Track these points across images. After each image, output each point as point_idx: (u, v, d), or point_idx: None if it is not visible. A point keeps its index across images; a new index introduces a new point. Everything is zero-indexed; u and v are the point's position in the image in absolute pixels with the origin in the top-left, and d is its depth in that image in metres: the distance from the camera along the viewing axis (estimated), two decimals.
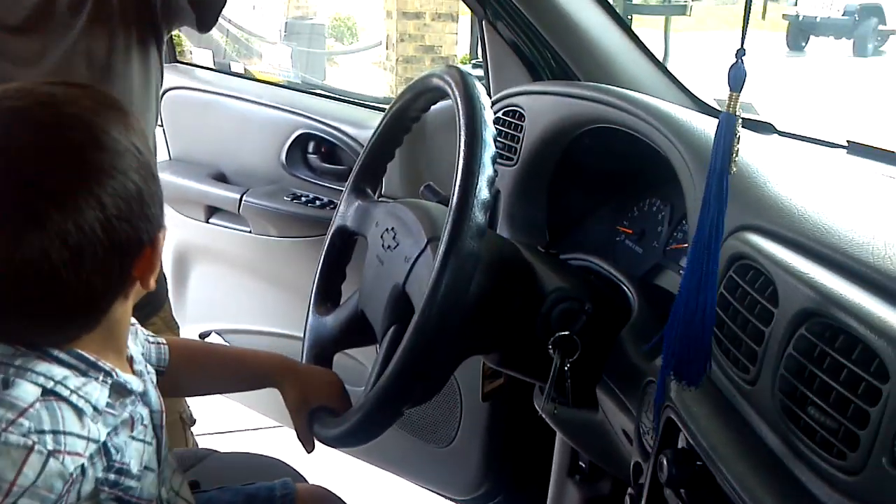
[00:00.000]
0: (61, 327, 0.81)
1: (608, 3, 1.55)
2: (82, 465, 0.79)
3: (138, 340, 0.99)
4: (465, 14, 6.62)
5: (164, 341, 1.09)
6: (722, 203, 0.74)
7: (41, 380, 0.78)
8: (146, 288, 0.84)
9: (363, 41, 10.36)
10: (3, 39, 1.31)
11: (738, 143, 0.73)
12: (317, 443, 1.87)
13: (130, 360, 0.92)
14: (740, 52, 0.71)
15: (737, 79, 0.72)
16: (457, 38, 6.83)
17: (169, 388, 1.08)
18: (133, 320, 0.99)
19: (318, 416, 1.13)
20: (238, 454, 1.40)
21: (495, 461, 1.81)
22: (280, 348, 2.03)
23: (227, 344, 2.15)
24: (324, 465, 1.79)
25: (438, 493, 1.93)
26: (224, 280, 2.10)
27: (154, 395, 0.93)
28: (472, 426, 1.79)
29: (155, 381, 0.97)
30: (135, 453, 0.86)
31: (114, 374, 0.84)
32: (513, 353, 1.14)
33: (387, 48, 7.03)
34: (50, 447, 0.76)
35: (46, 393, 0.78)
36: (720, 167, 0.73)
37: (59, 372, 0.80)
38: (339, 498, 1.23)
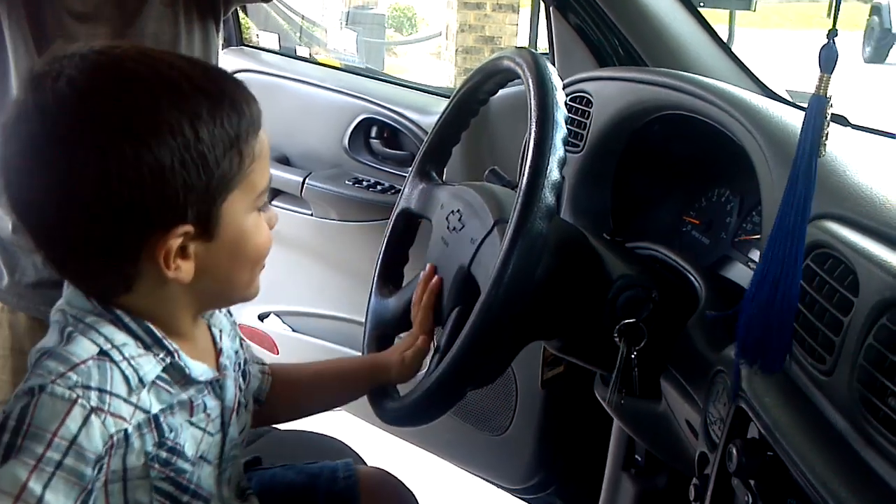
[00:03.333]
0: (81, 273, 0.82)
1: None
2: (125, 432, 0.80)
3: (237, 339, 1.00)
4: (526, 6, 6.60)
5: (269, 371, 1.10)
6: (810, 185, 0.72)
7: (101, 340, 0.81)
8: (178, 280, 0.81)
9: (422, 31, 10.38)
10: (72, 26, 1.33)
11: (828, 126, 0.71)
12: (371, 426, 1.91)
13: (219, 353, 0.94)
14: (832, 33, 0.69)
15: (828, 60, 0.70)
16: (517, 29, 6.80)
17: (268, 417, 1.11)
18: (233, 318, 1.01)
19: (378, 396, 1.14)
20: (297, 432, 1.42)
21: (549, 451, 1.80)
22: (338, 331, 2.07)
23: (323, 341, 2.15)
24: (379, 448, 1.80)
25: (491, 482, 1.93)
26: (284, 262, 2.12)
27: (231, 390, 0.93)
28: (527, 415, 1.78)
29: (243, 383, 0.98)
30: (191, 438, 0.87)
31: (176, 354, 0.85)
32: (576, 340, 1.13)
33: (446, 38, 7.03)
34: (94, 403, 0.77)
35: (102, 354, 0.80)
36: (809, 149, 0.71)
37: (121, 338, 0.82)
38: (401, 481, 1.23)
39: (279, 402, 1.10)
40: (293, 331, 2.20)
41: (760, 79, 1.49)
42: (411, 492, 1.22)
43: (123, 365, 0.81)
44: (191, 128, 0.77)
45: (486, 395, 1.83)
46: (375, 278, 1.27)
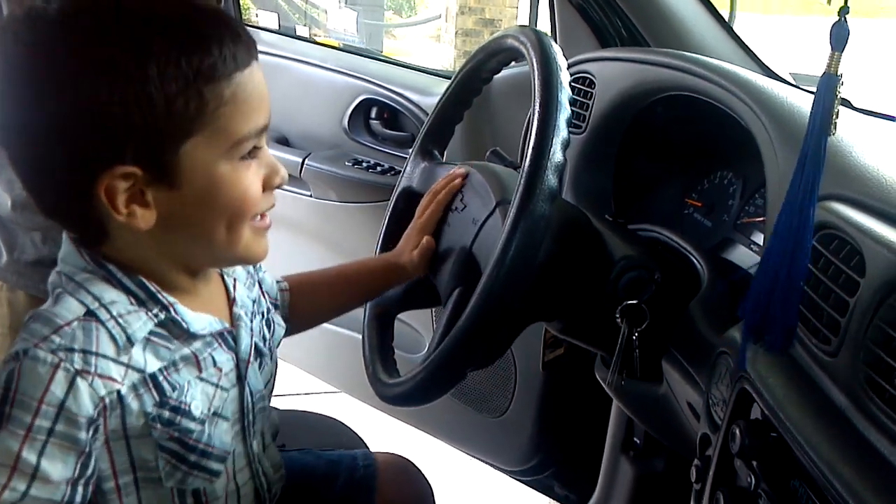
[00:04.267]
0: (55, 209, 0.82)
1: None
2: (118, 393, 0.78)
3: (263, 289, 0.99)
4: None
5: (287, 287, 1.09)
6: (819, 164, 0.71)
7: (88, 299, 0.79)
8: (133, 226, 0.78)
9: (422, 14, 10.33)
10: None
11: (838, 104, 0.71)
12: (371, 408, 1.91)
13: (232, 302, 0.92)
14: (844, 10, 0.68)
15: (839, 37, 0.69)
16: (517, 12, 6.77)
17: (297, 328, 1.12)
18: (260, 266, 1.00)
19: (379, 376, 1.13)
20: (297, 412, 1.42)
21: (548, 433, 1.81)
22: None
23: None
24: (377, 429, 1.81)
25: (490, 464, 1.93)
26: (283, 242, 2.11)
27: (247, 342, 0.91)
28: (526, 397, 1.78)
29: (268, 332, 0.97)
30: (201, 395, 0.85)
31: (172, 308, 0.82)
32: (578, 321, 1.13)
33: (446, 20, 6.99)
34: (77, 366, 0.76)
35: (88, 314, 0.78)
36: (819, 127, 0.70)
37: (111, 295, 0.80)
38: (417, 468, 1.23)
39: (301, 314, 1.11)
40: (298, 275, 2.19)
41: (763, 61, 1.49)
42: (426, 479, 1.23)
43: (110, 324, 0.79)
44: (136, 62, 0.72)
45: (485, 376, 1.83)
46: (376, 255, 1.26)
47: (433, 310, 1.82)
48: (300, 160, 1.99)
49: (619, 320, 1.04)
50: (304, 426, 1.40)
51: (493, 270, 0.92)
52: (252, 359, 0.92)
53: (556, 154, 0.93)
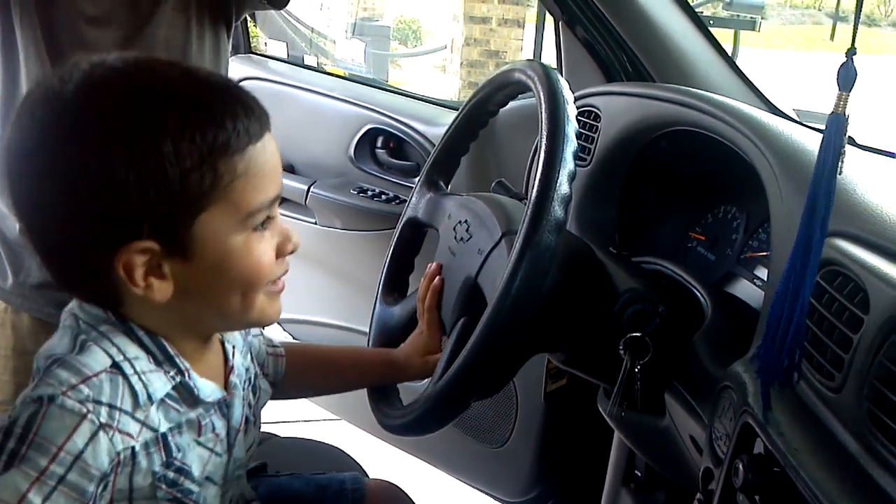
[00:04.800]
0: (71, 282, 0.82)
1: (688, 4, 1.54)
2: (133, 449, 0.78)
3: (252, 354, 0.99)
4: (531, 21, 6.62)
5: (283, 353, 1.09)
6: (829, 204, 0.72)
7: (114, 351, 0.79)
8: (151, 298, 0.79)
9: (427, 44, 10.42)
10: (84, 30, 1.33)
11: (845, 144, 0.72)
12: (371, 436, 1.90)
13: (230, 371, 0.92)
14: (851, 52, 0.69)
15: (847, 78, 0.70)
16: (522, 44, 6.82)
17: (283, 393, 1.11)
18: (258, 333, 1.01)
19: (381, 405, 1.14)
20: (298, 440, 1.42)
21: (549, 465, 1.80)
22: (340, 340, 2.06)
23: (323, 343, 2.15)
24: (377, 457, 1.80)
25: (490, 494, 1.92)
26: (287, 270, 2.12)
27: (239, 411, 0.92)
28: (527, 428, 1.78)
29: (252, 398, 0.97)
30: (197, 459, 0.85)
31: (186, 374, 0.83)
32: (581, 353, 1.13)
33: (451, 52, 7.05)
34: (103, 420, 0.76)
35: (114, 366, 0.79)
36: (829, 167, 0.71)
37: (133, 351, 0.80)
38: (406, 494, 1.23)
39: (293, 381, 1.11)
40: (294, 339, 2.20)
41: (768, 98, 1.50)
42: None
43: (134, 379, 0.79)
44: (150, 139, 0.73)
45: (486, 406, 1.83)
46: (381, 286, 1.27)
47: None
48: (306, 188, 2.01)
49: (622, 353, 1.05)
50: (300, 452, 1.40)
51: (498, 301, 0.93)
52: (242, 427, 0.93)
53: (563, 186, 0.94)
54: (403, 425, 1.05)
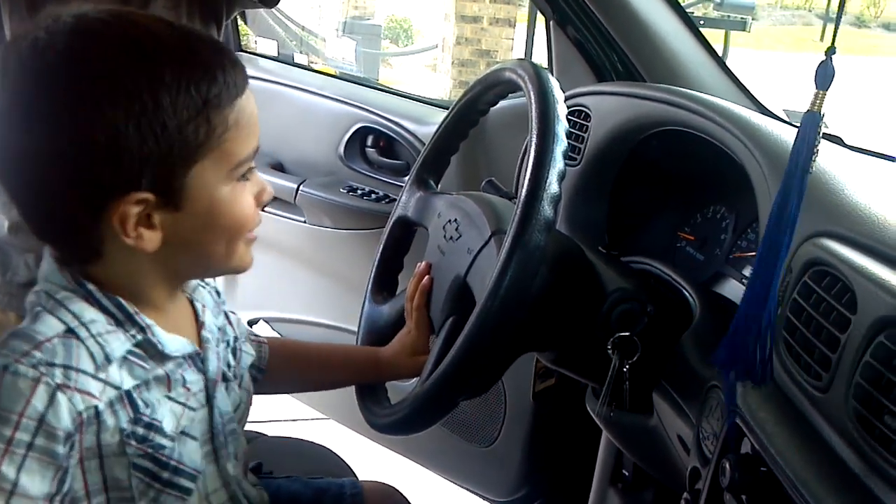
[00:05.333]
0: (52, 232, 0.82)
1: (679, 4, 1.54)
2: (96, 408, 0.79)
3: (221, 315, 1.00)
4: (522, 20, 6.63)
5: (266, 341, 1.11)
6: (800, 202, 0.72)
7: (68, 318, 0.80)
8: (141, 249, 0.80)
9: (418, 43, 10.42)
10: None
11: (818, 142, 0.72)
12: (358, 435, 1.90)
13: (201, 326, 0.93)
14: (830, 51, 0.70)
15: (825, 77, 0.70)
16: (513, 44, 6.82)
17: (270, 387, 1.12)
18: (222, 296, 1.01)
19: (369, 404, 1.13)
20: (287, 439, 1.41)
21: (537, 464, 1.80)
22: (328, 339, 2.06)
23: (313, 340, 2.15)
24: (365, 457, 1.80)
25: (477, 494, 1.92)
26: (276, 269, 2.12)
27: (214, 364, 0.92)
28: (515, 427, 1.78)
29: (232, 360, 0.97)
30: (169, 413, 0.85)
31: (148, 330, 0.84)
32: (569, 352, 1.13)
33: (442, 51, 7.05)
34: (59, 380, 0.77)
35: (68, 331, 0.79)
36: (802, 165, 0.71)
37: (90, 314, 0.81)
38: (403, 495, 1.23)
39: (282, 373, 1.11)
40: (282, 337, 2.19)
41: (757, 98, 1.50)
42: None
43: (90, 342, 0.80)
44: (149, 92, 0.75)
45: (474, 406, 1.83)
46: (370, 285, 1.27)
47: None
48: (295, 186, 2.00)
49: (610, 352, 1.05)
50: (292, 453, 1.40)
51: (487, 300, 0.93)
52: (220, 380, 0.93)
53: (553, 185, 0.94)
54: (391, 424, 1.05)
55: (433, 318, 1.13)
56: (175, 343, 0.87)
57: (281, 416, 2.42)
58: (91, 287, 0.82)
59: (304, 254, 2.09)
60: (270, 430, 1.45)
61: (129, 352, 0.82)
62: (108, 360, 0.80)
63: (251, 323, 2.22)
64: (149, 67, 0.76)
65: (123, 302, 0.83)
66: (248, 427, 1.78)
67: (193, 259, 0.87)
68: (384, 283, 1.27)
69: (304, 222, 2.04)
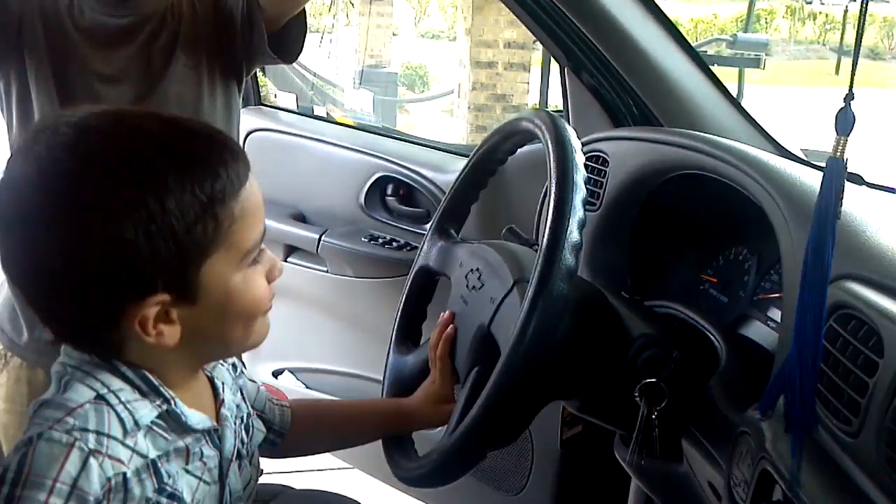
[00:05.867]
0: (71, 336, 0.83)
1: (692, 47, 1.55)
2: (124, 475, 0.79)
3: (244, 394, 1.01)
4: (536, 64, 6.68)
5: (289, 405, 1.11)
6: (831, 247, 0.72)
7: (97, 385, 0.81)
8: (162, 345, 0.81)
9: (434, 89, 10.52)
10: (98, 88, 1.35)
11: (844, 188, 0.72)
12: (383, 485, 1.89)
13: (220, 404, 0.94)
14: (849, 97, 0.70)
15: (845, 123, 0.71)
16: (528, 87, 6.88)
17: (292, 449, 1.12)
18: (239, 366, 1.02)
19: (396, 456, 1.13)
20: (312, 491, 1.40)
21: None
22: (353, 388, 2.06)
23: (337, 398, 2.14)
24: None
25: None
26: (300, 319, 2.12)
27: (231, 441, 0.93)
28: (543, 475, 1.76)
29: (246, 437, 0.98)
30: (186, 486, 0.86)
31: (172, 402, 0.85)
32: (596, 400, 1.12)
33: (458, 96, 7.11)
34: (91, 445, 0.77)
35: (98, 398, 0.80)
36: (829, 212, 0.72)
37: (117, 384, 0.82)
38: None
39: (302, 435, 1.11)
40: (307, 387, 2.19)
41: (775, 138, 1.51)
42: None
43: (119, 408, 0.80)
44: (155, 199, 0.75)
45: (502, 454, 1.81)
46: (394, 335, 1.27)
47: None
48: (317, 236, 2.01)
49: (637, 399, 1.04)
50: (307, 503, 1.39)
51: (512, 350, 0.93)
52: (234, 458, 0.94)
53: (573, 234, 0.95)
54: (419, 477, 1.05)
55: (458, 367, 1.13)
56: (196, 417, 0.88)
57: (306, 466, 2.40)
58: (115, 362, 0.83)
59: (328, 303, 2.10)
60: (295, 480, 1.44)
61: (154, 422, 0.83)
62: (137, 425, 0.81)
63: (276, 373, 2.23)
64: (151, 175, 0.77)
65: (149, 375, 0.84)
66: (271, 478, 1.78)
67: (214, 345, 0.88)
68: (408, 333, 1.27)
69: (327, 272, 2.05)
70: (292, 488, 1.42)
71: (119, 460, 0.79)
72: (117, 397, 0.81)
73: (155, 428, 0.83)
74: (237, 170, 0.81)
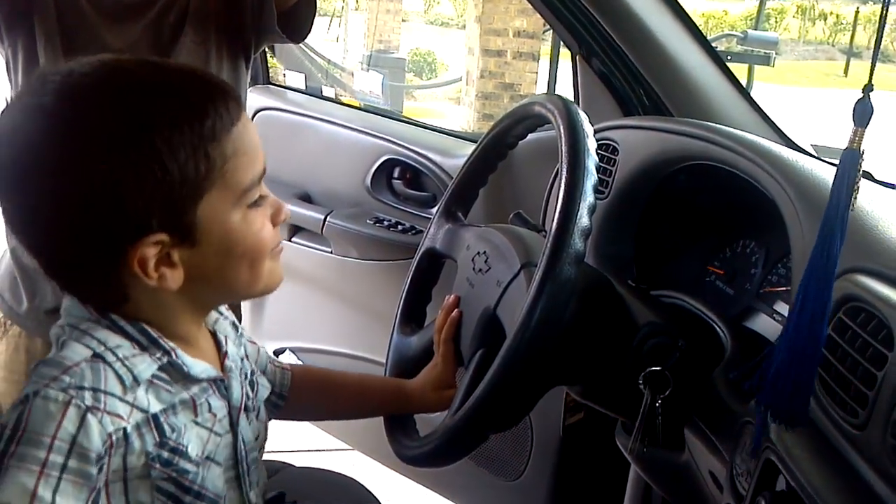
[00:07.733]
0: (76, 285, 0.84)
1: (705, 38, 1.54)
2: (124, 431, 0.79)
3: (246, 352, 1.01)
4: (546, 54, 6.66)
5: (289, 368, 1.12)
6: (841, 239, 0.72)
7: (94, 343, 0.81)
8: (165, 287, 0.82)
9: (442, 76, 10.50)
10: None
11: (859, 180, 0.72)
12: (383, 467, 1.89)
13: (224, 356, 0.94)
14: (868, 88, 0.70)
15: (863, 114, 0.70)
16: (536, 77, 6.86)
17: (292, 413, 1.13)
18: (239, 326, 1.03)
19: (397, 436, 1.13)
20: (313, 469, 1.41)
21: (564, 498, 1.78)
22: (355, 369, 2.05)
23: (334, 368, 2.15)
24: (390, 487, 1.79)
25: None
26: (302, 299, 2.13)
27: (238, 391, 0.93)
28: (542, 461, 1.77)
29: (251, 391, 0.98)
30: (196, 439, 0.86)
31: (173, 353, 0.85)
32: (600, 386, 1.12)
33: (466, 84, 7.09)
34: (88, 402, 0.77)
35: (95, 356, 0.81)
36: (844, 203, 0.71)
37: (115, 340, 0.82)
38: None
39: (304, 400, 1.12)
40: (306, 365, 2.20)
41: (786, 133, 1.50)
42: None
43: (117, 365, 0.81)
44: (144, 139, 0.76)
45: (501, 439, 1.81)
46: (398, 316, 1.27)
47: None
48: (322, 217, 2.01)
49: (641, 386, 1.04)
50: (317, 484, 1.39)
51: (517, 333, 0.93)
52: (242, 408, 0.94)
53: (583, 218, 0.94)
54: (420, 456, 1.05)
55: (462, 350, 1.13)
56: (199, 366, 0.88)
57: (306, 445, 2.41)
58: (114, 317, 0.83)
59: (331, 284, 2.10)
60: (295, 460, 1.44)
61: (155, 375, 0.84)
62: (136, 381, 0.81)
63: (277, 353, 2.23)
64: (139, 116, 0.77)
65: (147, 328, 0.84)
66: (272, 456, 1.78)
67: (218, 288, 0.88)
68: (412, 315, 1.27)
69: (331, 253, 2.04)
70: (293, 465, 1.43)
71: (118, 416, 0.79)
72: (115, 354, 0.81)
73: (157, 381, 0.84)
74: (227, 107, 0.82)
